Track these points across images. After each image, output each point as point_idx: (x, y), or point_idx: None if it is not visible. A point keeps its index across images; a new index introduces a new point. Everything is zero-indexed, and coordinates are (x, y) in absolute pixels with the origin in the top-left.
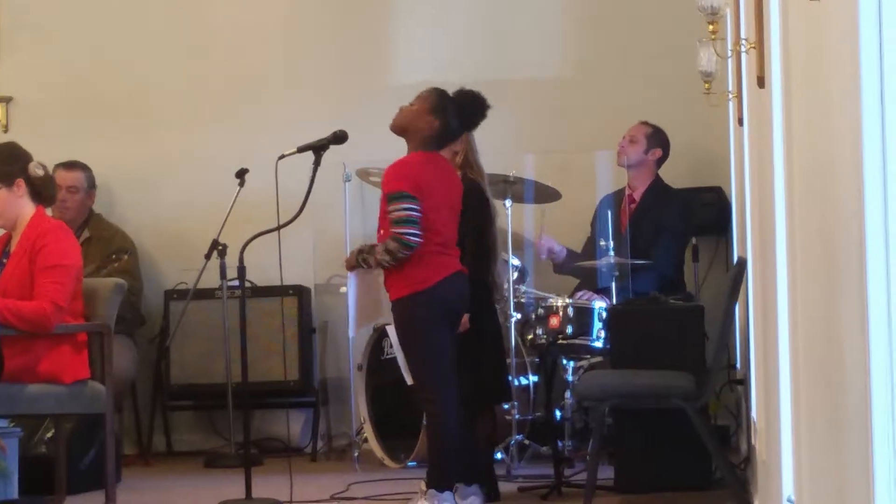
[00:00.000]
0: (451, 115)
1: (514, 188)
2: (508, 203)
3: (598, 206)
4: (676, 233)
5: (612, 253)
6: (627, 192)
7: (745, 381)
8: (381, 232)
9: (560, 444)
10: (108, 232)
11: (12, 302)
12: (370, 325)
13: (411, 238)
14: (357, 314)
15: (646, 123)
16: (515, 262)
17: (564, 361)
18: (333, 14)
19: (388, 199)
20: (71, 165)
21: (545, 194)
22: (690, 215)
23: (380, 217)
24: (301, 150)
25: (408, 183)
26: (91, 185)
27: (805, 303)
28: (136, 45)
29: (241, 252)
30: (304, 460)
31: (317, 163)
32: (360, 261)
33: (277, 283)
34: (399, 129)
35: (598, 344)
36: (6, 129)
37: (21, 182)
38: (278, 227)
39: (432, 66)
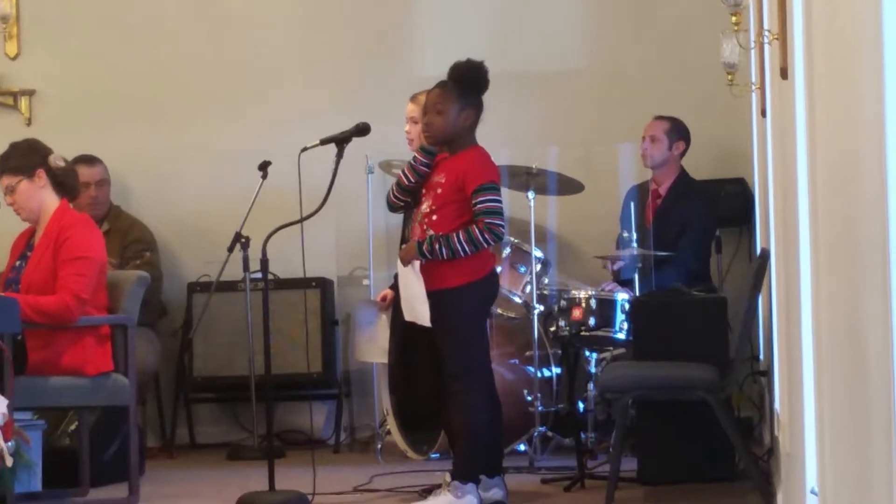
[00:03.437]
0: (473, 94)
1: (537, 180)
2: (531, 195)
3: (624, 200)
4: (702, 227)
5: (635, 245)
6: (653, 186)
7: (768, 373)
8: (433, 218)
9: (583, 435)
10: (126, 223)
11: (33, 298)
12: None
13: (502, 229)
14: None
15: (661, 118)
16: (538, 253)
17: (587, 353)
18: (355, 5)
19: (480, 189)
20: (90, 160)
21: (568, 186)
22: (715, 209)
23: (436, 207)
24: (324, 142)
25: (497, 174)
26: (108, 175)
27: (828, 294)
28: (157, 37)
29: (264, 244)
30: (327, 452)
31: (339, 155)
32: (428, 251)
33: (300, 275)
34: (445, 140)
35: (621, 336)
36: (29, 123)
37: (42, 172)
38: (301, 220)
39: (454, 57)
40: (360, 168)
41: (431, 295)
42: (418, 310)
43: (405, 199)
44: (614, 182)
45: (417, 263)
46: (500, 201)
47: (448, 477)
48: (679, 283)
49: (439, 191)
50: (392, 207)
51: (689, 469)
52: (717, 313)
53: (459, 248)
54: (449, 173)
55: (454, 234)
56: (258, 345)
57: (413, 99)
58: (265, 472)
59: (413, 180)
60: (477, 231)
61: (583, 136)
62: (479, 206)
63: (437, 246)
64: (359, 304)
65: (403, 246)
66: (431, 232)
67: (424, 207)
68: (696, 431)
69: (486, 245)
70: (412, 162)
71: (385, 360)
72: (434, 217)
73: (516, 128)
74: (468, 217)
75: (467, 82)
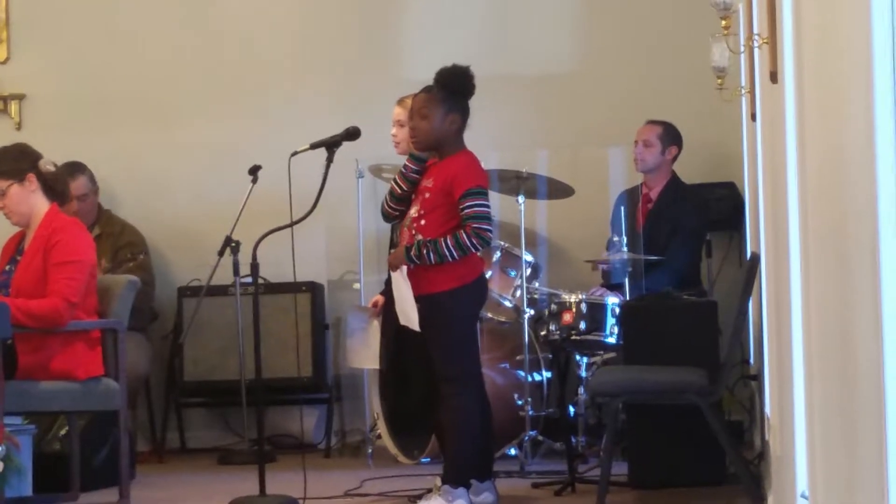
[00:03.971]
0: (458, 99)
1: (527, 184)
2: (521, 199)
3: (615, 205)
4: (693, 231)
5: (625, 249)
6: (644, 191)
7: (758, 377)
8: (421, 223)
9: (573, 440)
10: (117, 227)
11: (23, 302)
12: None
13: (489, 233)
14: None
15: (654, 122)
16: (528, 258)
17: (578, 357)
18: (344, 10)
19: (468, 193)
20: (73, 172)
21: (558, 190)
22: (706, 213)
23: (425, 212)
24: (314, 146)
25: (485, 178)
26: (94, 182)
27: (818, 298)
28: (148, 42)
29: (255, 249)
30: (317, 457)
31: (329, 159)
32: (415, 256)
33: (290, 279)
34: (432, 145)
35: (612, 340)
36: (19, 127)
37: (32, 177)
38: (291, 224)
39: (443, 61)
40: (351, 172)
41: (421, 300)
42: (408, 314)
43: (400, 208)
44: (604, 186)
45: (405, 268)
46: (487, 206)
47: (439, 481)
48: (669, 287)
49: (427, 195)
50: (387, 217)
51: (680, 473)
52: (707, 317)
53: (447, 253)
54: (437, 178)
55: (442, 239)
56: (248, 349)
57: (400, 102)
58: (256, 476)
59: (405, 188)
60: (465, 236)
61: (573, 140)
62: (466, 210)
63: (425, 251)
64: (349, 311)
65: (392, 251)
66: (420, 236)
67: (413, 212)
68: (687, 435)
69: (473, 250)
70: (402, 170)
71: (377, 365)
72: (422, 221)
73: (506, 132)
74: (456, 222)
75: (453, 87)
